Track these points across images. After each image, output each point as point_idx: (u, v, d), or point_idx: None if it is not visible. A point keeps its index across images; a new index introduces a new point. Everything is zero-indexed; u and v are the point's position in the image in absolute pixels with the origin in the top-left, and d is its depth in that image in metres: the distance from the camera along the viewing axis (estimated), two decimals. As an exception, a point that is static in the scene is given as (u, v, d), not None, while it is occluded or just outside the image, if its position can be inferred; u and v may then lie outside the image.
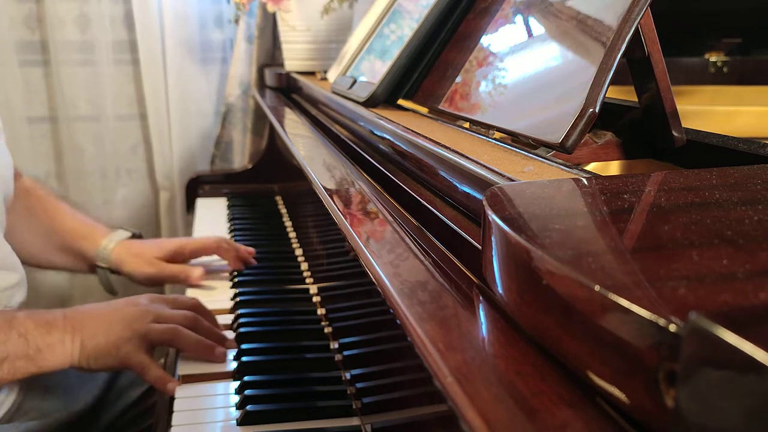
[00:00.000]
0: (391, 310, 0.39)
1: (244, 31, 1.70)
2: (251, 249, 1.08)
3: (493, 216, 0.33)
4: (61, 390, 0.94)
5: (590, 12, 0.55)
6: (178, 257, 1.05)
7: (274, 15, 1.55)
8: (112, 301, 0.80)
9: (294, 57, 1.45)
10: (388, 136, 0.69)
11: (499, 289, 0.33)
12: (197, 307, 0.84)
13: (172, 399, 0.72)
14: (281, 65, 1.53)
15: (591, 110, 0.48)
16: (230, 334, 0.84)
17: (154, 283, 1.05)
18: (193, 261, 1.08)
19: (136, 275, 1.03)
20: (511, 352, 0.32)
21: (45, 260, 1.06)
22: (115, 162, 1.76)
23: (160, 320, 0.78)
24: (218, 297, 0.99)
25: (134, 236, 1.08)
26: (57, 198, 1.11)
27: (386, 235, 0.51)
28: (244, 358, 0.78)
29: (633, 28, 0.50)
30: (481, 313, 0.37)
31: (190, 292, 1.01)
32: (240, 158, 1.78)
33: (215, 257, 1.08)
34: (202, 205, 1.49)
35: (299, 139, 0.96)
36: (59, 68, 1.66)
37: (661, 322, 0.22)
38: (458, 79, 0.71)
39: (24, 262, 0.99)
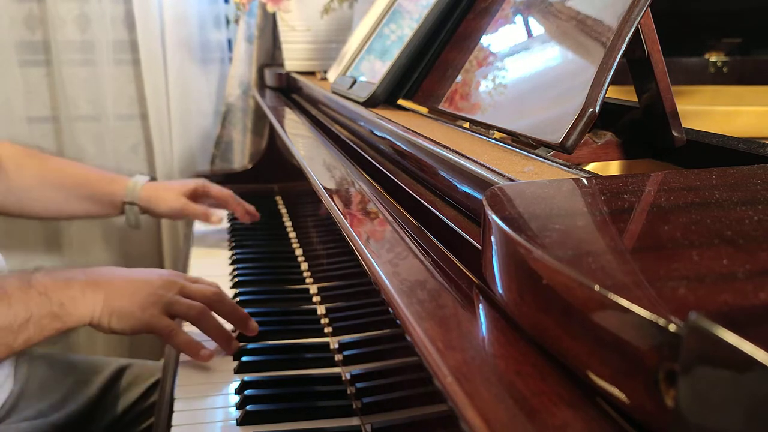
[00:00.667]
0: (391, 310, 0.39)
1: (244, 31, 1.70)
2: (251, 207, 1.23)
3: (493, 216, 0.33)
4: (60, 390, 0.94)
5: (590, 12, 0.55)
6: (199, 194, 1.21)
7: (274, 15, 1.55)
8: (135, 269, 0.80)
9: (294, 57, 1.45)
10: (388, 136, 0.69)
11: (499, 289, 0.33)
12: (219, 290, 0.84)
13: (172, 399, 0.72)
14: (281, 65, 1.53)
15: (591, 110, 0.48)
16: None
17: (177, 217, 1.23)
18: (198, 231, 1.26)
19: (162, 208, 1.19)
20: (511, 352, 0.32)
21: (66, 212, 1.20)
22: (115, 162, 1.76)
23: (186, 293, 0.78)
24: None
25: (151, 179, 1.23)
26: (57, 156, 1.26)
27: (386, 234, 0.51)
28: (244, 358, 0.78)
29: (633, 28, 0.50)
30: (481, 313, 0.37)
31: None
32: (240, 158, 1.78)
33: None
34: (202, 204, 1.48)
35: (299, 139, 0.96)
36: (60, 68, 1.66)
37: (661, 322, 0.22)
38: (458, 79, 0.71)
39: (42, 217, 1.16)
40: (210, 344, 0.79)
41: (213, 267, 1.11)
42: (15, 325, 0.67)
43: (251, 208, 1.23)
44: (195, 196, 1.21)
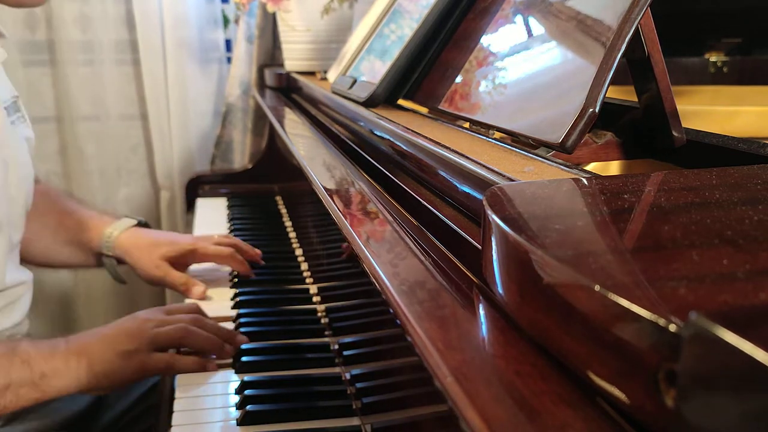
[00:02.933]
0: (391, 310, 0.39)
1: (244, 31, 1.70)
2: (258, 251, 1.06)
3: (493, 216, 0.33)
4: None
5: (590, 12, 0.55)
6: (189, 259, 1.03)
7: (274, 15, 1.55)
8: (111, 323, 0.79)
9: (294, 57, 1.45)
10: (388, 136, 0.69)
11: (499, 289, 0.33)
12: (198, 311, 0.84)
13: (172, 399, 0.72)
14: (281, 65, 1.53)
15: (591, 110, 0.48)
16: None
17: (156, 285, 1.03)
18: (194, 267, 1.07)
19: (138, 272, 1.01)
20: (511, 352, 0.32)
21: (54, 257, 1.05)
22: (116, 162, 1.76)
23: (165, 325, 0.78)
24: (218, 300, 0.98)
25: (140, 224, 1.06)
26: (66, 195, 1.10)
27: (386, 234, 0.51)
28: (244, 358, 0.78)
29: (633, 28, 0.50)
30: (481, 313, 0.37)
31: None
32: (240, 158, 1.78)
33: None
34: (202, 204, 1.49)
35: (299, 139, 0.96)
36: (61, 68, 1.66)
37: (661, 322, 0.22)
38: (458, 79, 0.71)
39: (33, 262, 1.00)
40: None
41: (213, 267, 1.10)
42: None
43: (255, 257, 1.05)
44: (182, 259, 1.02)
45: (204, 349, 0.78)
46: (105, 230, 1.02)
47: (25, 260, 0.98)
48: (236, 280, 1.03)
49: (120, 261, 1.04)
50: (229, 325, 0.89)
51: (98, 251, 1.03)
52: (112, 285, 1.66)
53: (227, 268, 1.07)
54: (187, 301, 0.98)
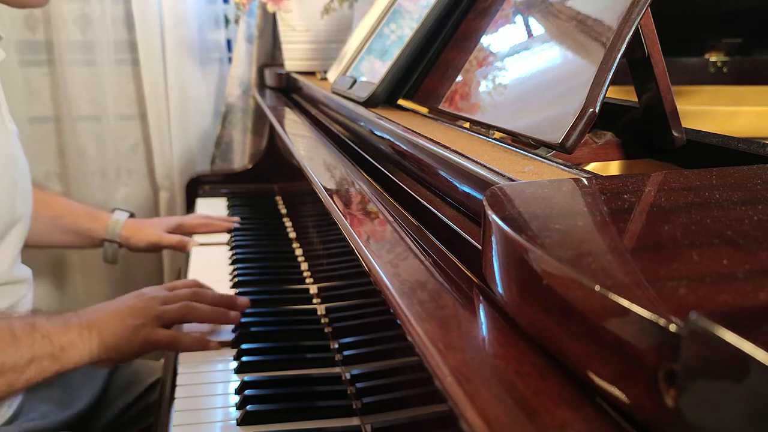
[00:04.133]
0: (391, 310, 0.39)
1: (244, 31, 1.70)
2: (235, 218, 1.29)
3: (493, 216, 0.33)
4: (61, 390, 0.94)
5: (590, 12, 0.55)
6: (178, 231, 1.25)
7: (274, 15, 1.55)
8: (117, 299, 0.83)
9: (294, 57, 1.45)
10: (388, 136, 0.69)
11: (499, 289, 0.33)
12: (196, 284, 0.89)
13: (172, 399, 0.72)
14: (281, 65, 1.53)
15: (591, 110, 0.48)
16: (230, 335, 0.84)
17: (155, 250, 1.26)
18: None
19: (141, 245, 1.23)
20: (511, 352, 0.32)
21: (45, 242, 1.20)
22: (115, 162, 1.76)
23: (169, 302, 0.82)
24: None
25: (131, 215, 1.27)
26: (54, 192, 1.29)
27: (386, 235, 0.51)
28: (244, 358, 0.78)
29: (633, 28, 0.50)
30: (481, 313, 0.37)
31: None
32: (240, 158, 1.78)
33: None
34: (202, 205, 1.49)
35: (299, 139, 0.96)
36: (60, 68, 1.66)
37: (661, 322, 0.22)
38: (458, 79, 0.71)
39: (26, 245, 1.07)
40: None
41: (213, 267, 1.11)
42: (20, 365, 0.70)
43: (226, 219, 1.30)
44: (176, 231, 1.26)
45: (209, 322, 0.84)
46: (109, 221, 1.23)
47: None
48: (236, 280, 1.03)
49: (120, 245, 1.24)
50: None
51: (101, 238, 1.23)
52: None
53: (227, 269, 1.08)
54: (192, 256, 1.17)
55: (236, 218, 1.29)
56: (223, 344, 0.82)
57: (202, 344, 0.81)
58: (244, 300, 0.87)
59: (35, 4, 0.86)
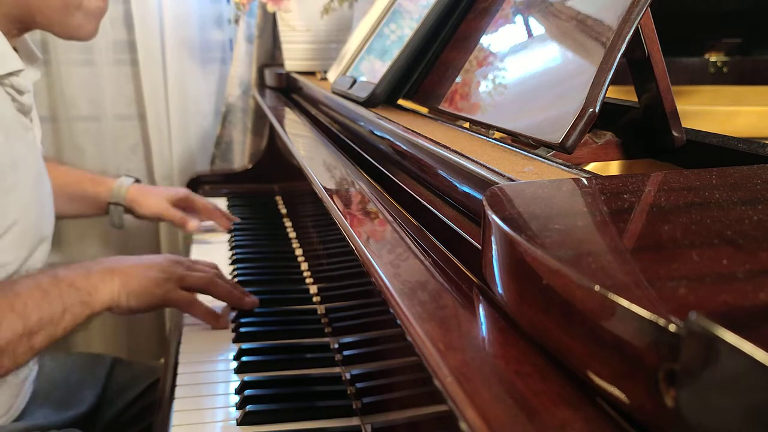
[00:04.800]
0: (391, 310, 0.39)
1: (244, 31, 1.70)
2: (235, 218, 1.28)
3: (493, 216, 0.33)
4: (62, 390, 0.95)
5: (590, 12, 0.55)
6: (184, 203, 1.24)
7: (274, 15, 1.55)
8: (140, 256, 0.85)
9: (294, 57, 1.45)
10: (388, 136, 0.69)
11: (499, 289, 0.33)
12: (217, 267, 0.91)
13: (171, 398, 0.72)
14: (281, 65, 1.53)
15: (591, 110, 0.48)
16: (230, 334, 0.84)
17: (157, 219, 1.24)
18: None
19: (144, 211, 1.21)
20: (511, 352, 0.32)
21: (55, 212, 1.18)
22: (115, 162, 1.76)
23: (192, 270, 0.85)
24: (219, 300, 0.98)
25: (136, 181, 1.26)
26: (58, 160, 1.28)
27: (386, 235, 0.51)
28: (244, 358, 0.78)
29: (633, 28, 0.50)
30: (481, 313, 0.37)
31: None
32: (240, 158, 1.78)
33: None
34: (202, 205, 1.48)
35: (299, 139, 0.96)
36: (59, 68, 1.66)
37: (661, 322, 0.22)
38: (458, 79, 0.71)
39: None
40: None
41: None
42: (56, 317, 0.72)
43: (229, 216, 1.28)
44: (180, 205, 1.24)
45: (226, 299, 0.87)
46: (113, 185, 1.22)
47: None
48: (236, 280, 1.03)
49: (125, 209, 1.23)
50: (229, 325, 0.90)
51: (107, 201, 1.22)
52: (103, 227, 1.73)
53: (227, 269, 1.08)
54: (192, 253, 1.18)
55: (236, 218, 1.29)
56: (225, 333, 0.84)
57: (214, 317, 0.84)
58: (253, 299, 0.89)
59: (83, 38, 0.86)
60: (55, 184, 1.14)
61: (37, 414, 0.88)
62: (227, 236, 1.25)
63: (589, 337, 0.25)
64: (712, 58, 1.23)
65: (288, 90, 1.47)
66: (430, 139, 0.59)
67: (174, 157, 1.76)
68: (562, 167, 0.47)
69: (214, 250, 1.20)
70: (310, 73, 1.41)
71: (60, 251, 1.76)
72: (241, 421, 0.66)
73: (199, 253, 1.19)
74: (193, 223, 1.20)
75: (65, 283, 0.74)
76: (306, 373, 0.75)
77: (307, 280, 1.00)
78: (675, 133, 0.55)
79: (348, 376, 0.72)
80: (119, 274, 0.78)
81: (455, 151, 0.53)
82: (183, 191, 1.26)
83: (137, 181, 1.26)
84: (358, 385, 0.68)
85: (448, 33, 0.80)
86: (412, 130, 0.64)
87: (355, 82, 0.91)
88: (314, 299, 0.94)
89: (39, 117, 1.70)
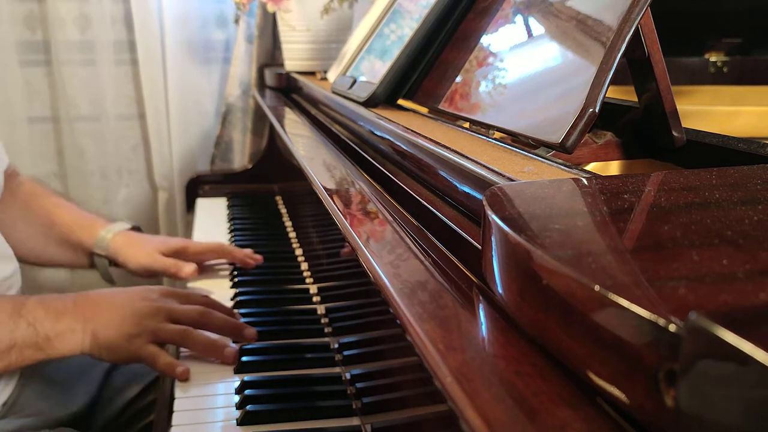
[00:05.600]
0: (391, 310, 0.39)
1: (244, 31, 1.70)
2: (249, 251, 1.06)
3: (493, 216, 0.33)
4: (58, 387, 0.94)
5: (590, 12, 0.55)
6: (180, 256, 1.04)
7: (274, 15, 1.55)
8: (124, 290, 0.80)
9: (294, 57, 1.45)
10: (388, 136, 0.69)
11: (499, 289, 0.33)
12: (209, 302, 0.85)
13: (171, 398, 0.72)
14: (281, 65, 1.53)
15: (591, 110, 0.48)
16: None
17: (148, 275, 1.04)
18: None
19: (130, 265, 1.03)
20: (511, 352, 0.32)
21: (45, 257, 1.07)
22: (116, 162, 1.76)
23: (173, 316, 0.79)
24: (218, 297, 0.98)
25: (134, 228, 1.09)
26: (56, 194, 1.12)
27: (386, 235, 0.51)
28: (244, 358, 0.78)
29: (633, 28, 0.50)
30: (481, 313, 0.37)
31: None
32: (240, 158, 1.78)
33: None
34: (202, 205, 1.49)
35: (299, 139, 0.96)
36: (60, 68, 1.66)
37: (661, 321, 0.22)
38: (458, 79, 0.71)
39: (24, 260, 1.00)
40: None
41: (213, 267, 1.10)
42: None
43: (243, 258, 1.06)
44: (173, 254, 1.04)
45: (202, 354, 0.79)
46: (100, 231, 1.05)
47: (25, 261, 1.00)
48: (236, 280, 1.03)
49: (111, 262, 1.06)
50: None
51: (90, 251, 1.05)
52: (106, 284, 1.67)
53: (227, 270, 1.08)
54: (189, 285, 1.02)
55: (259, 257, 1.06)
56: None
57: (172, 369, 0.75)
58: (251, 331, 0.81)
59: None
60: (44, 223, 1.05)
61: (30, 409, 0.87)
62: (227, 237, 1.25)
63: (589, 337, 0.25)
64: (712, 58, 1.23)
65: (288, 90, 1.47)
66: (430, 139, 0.59)
67: (174, 156, 1.76)
68: (562, 167, 0.47)
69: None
70: (310, 73, 1.41)
71: (59, 270, 1.75)
72: (241, 421, 0.66)
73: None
74: (187, 269, 1.01)
75: (25, 320, 0.70)
76: (306, 373, 0.75)
77: (307, 280, 1.00)
78: (675, 133, 0.55)
79: (348, 376, 0.72)
80: (93, 324, 0.74)
81: (455, 151, 0.53)
82: (177, 241, 1.07)
83: (135, 228, 1.09)
84: (358, 385, 0.68)
85: (448, 33, 0.80)
86: (412, 130, 0.64)
87: (355, 82, 0.91)
88: (314, 299, 0.94)
89: (41, 117, 1.70)
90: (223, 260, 1.08)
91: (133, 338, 0.76)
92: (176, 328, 0.78)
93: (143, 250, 1.03)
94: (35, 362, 0.72)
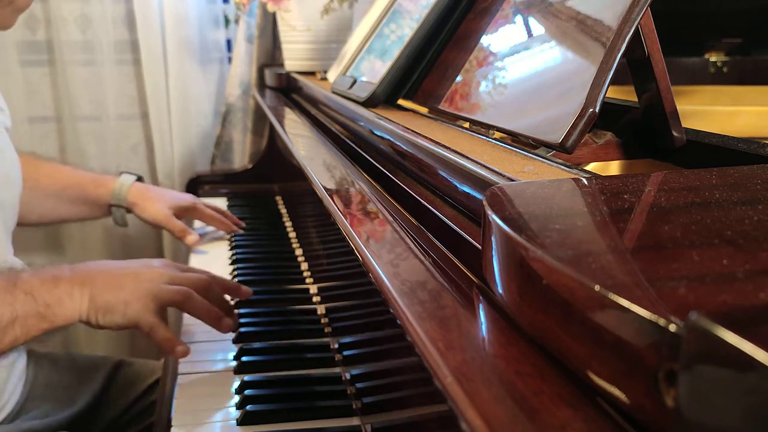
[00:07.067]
0: (391, 310, 0.39)
1: (244, 31, 1.70)
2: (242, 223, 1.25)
3: (493, 216, 0.33)
4: (61, 389, 0.95)
5: (590, 12, 0.55)
6: (189, 213, 1.20)
7: (274, 15, 1.55)
8: (124, 261, 0.79)
9: (294, 57, 1.45)
10: (388, 136, 0.69)
11: (499, 289, 0.33)
12: (210, 276, 0.84)
13: (172, 398, 0.72)
14: (281, 65, 1.53)
15: (591, 110, 0.48)
16: (230, 334, 0.84)
17: (158, 227, 1.19)
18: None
19: (145, 215, 1.16)
20: (511, 352, 0.32)
21: (59, 217, 1.19)
22: (116, 162, 1.76)
23: (174, 282, 0.77)
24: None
25: (138, 179, 1.22)
26: (48, 160, 1.22)
27: (386, 235, 0.51)
28: (244, 358, 0.77)
29: (633, 28, 0.50)
30: (481, 313, 0.37)
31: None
32: (240, 158, 1.78)
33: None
34: (202, 205, 1.48)
35: (299, 139, 0.96)
36: (61, 68, 1.66)
37: (661, 321, 0.22)
38: (458, 79, 0.71)
39: (31, 224, 1.11)
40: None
41: (213, 267, 1.10)
42: (0, 326, 0.67)
43: (235, 219, 1.25)
44: (184, 215, 1.20)
45: (201, 318, 0.77)
46: (113, 185, 1.17)
47: (26, 224, 1.08)
48: (236, 280, 1.03)
49: (127, 210, 1.19)
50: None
51: (108, 203, 1.18)
52: (106, 231, 1.74)
53: (227, 269, 1.08)
54: (191, 261, 1.15)
55: (242, 223, 1.26)
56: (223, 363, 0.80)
57: (170, 344, 0.75)
58: (246, 289, 0.86)
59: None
60: (56, 187, 1.14)
61: (36, 411, 0.87)
62: (227, 247, 1.24)
63: (589, 337, 0.25)
64: (712, 58, 1.22)
65: (288, 90, 1.47)
66: (430, 139, 0.59)
67: (175, 156, 1.76)
68: (562, 167, 0.47)
69: (215, 251, 1.20)
70: (310, 73, 1.41)
71: (63, 255, 1.76)
72: (241, 421, 0.66)
73: (198, 254, 1.19)
74: (192, 238, 1.14)
75: (22, 290, 0.69)
76: (306, 373, 0.75)
77: (307, 280, 1.00)
78: (675, 133, 0.55)
79: (348, 376, 0.72)
80: (90, 286, 0.73)
81: (455, 151, 0.53)
82: (189, 199, 1.20)
83: (139, 178, 1.21)
84: (358, 385, 0.68)
85: (448, 33, 0.80)
86: (412, 130, 0.64)
87: (355, 82, 0.91)
88: (314, 299, 0.94)
89: (42, 117, 1.70)
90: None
91: (131, 301, 0.73)
92: (177, 289, 0.76)
93: (158, 206, 1.16)
94: (41, 333, 0.70)
